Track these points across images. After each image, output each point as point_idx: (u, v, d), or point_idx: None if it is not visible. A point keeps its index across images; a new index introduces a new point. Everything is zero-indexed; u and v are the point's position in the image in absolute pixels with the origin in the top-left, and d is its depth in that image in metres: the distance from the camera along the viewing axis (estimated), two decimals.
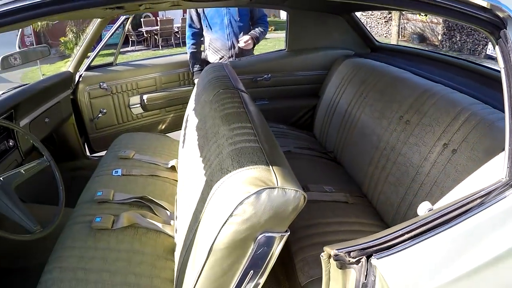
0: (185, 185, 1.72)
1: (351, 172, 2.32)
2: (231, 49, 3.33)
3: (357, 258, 0.89)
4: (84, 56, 3.14)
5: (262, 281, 1.20)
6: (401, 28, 12.63)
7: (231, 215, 1.03)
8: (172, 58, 3.71)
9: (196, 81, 3.43)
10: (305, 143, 2.70)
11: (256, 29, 3.39)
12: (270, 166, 1.11)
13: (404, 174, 1.81)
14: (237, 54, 3.37)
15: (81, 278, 1.56)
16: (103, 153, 2.68)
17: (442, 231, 0.92)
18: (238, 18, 3.30)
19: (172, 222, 1.86)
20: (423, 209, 1.03)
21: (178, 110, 3.56)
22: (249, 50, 3.41)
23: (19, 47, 2.54)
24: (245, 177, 1.08)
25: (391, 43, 11.90)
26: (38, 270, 1.65)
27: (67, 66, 3.17)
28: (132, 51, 14.92)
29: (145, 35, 15.53)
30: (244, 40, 3.27)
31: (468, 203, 0.95)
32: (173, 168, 2.35)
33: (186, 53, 3.54)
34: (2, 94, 2.51)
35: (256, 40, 3.38)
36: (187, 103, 2.58)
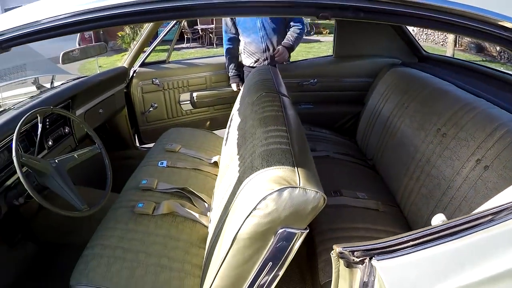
0: (222, 180, 1.83)
1: (387, 180, 2.33)
2: (265, 51, 3.33)
3: (360, 258, 0.95)
4: (139, 52, 3.32)
5: (280, 273, 1.28)
6: (458, 37, 12.23)
7: (254, 209, 1.13)
8: (223, 58, 3.79)
9: (233, 85, 3.56)
10: (345, 149, 2.73)
11: (289, 35, 3.32)
12: (296, 168, 1.19)
13: (436, 187, 1.81)
14: (272, 57, 3.35)
15: (119, 256, 1.70)
16: (151, 144, 2.83)
17: (447, 241, 0.93)
18: (270, 21, 3.29)
19: (208, 213, 1.97)
20: (437, 220, 1.03)
21: (226, 109, 3.65)
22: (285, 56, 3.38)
23: (79, 44, 2.74)
24: (271, 176, 1.18)
25: (447, 51, 11.56)
26: (83, 247, 1.81)
27: (122, 61, 3.36)
28: (187, 48, 15.09)
29: (200, 33, 15.66)
30: (276, 54, 3.27)
31: (478, 218, 0.95)
32: (215, 164, 2.47)
33: None
34: (61, 85, 2.72)
35: (290, 49, 3.34)
36: (234, 102, 2.70)
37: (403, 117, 2.28)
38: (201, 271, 1.67)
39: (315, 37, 16.51)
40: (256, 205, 1.13)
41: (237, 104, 2.37)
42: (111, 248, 1.74)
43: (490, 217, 0.95)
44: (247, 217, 1.15)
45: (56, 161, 1.92)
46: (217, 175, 2.34)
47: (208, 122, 3.80)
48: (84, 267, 1.68)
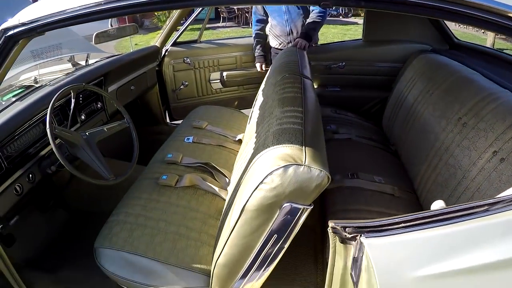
0: (240, 157, 1.92)
1: (407, 167, 2.34)
2: (289, 35, 3.35)
3: (352, 235, 1.01)
4: (171, 32, 3.41)
5: (285, 246, 1.36)
6: None
7: (261, 182, 1.21)
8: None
9: (257, 65, 3.61)
10: (368, 133, 2.75)
11: (308, 24, 3.31)
12: (304, 147, 1.26)
13: (452, 176, 1.81)
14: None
15: (141, 223, 1.82)
16: (181, 121, 2.93)
17: (439, 226, 0.96)
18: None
19: (228, 188, 2.06)
20: (436, 206, 1.05)
21: (255, 88, 3.68)
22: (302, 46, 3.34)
23: (111, 25, 2.84)
24: (279, 153, 1.25)
25: (488, 40, 11.16)
26: (109, 214, 1.94)
27: (155, 40, 3.46)
28: (223, 27, 15.09)
29: (236, 12, 15.60)
30: (296, 45, 3.27)
31: (474, 207, 0.97)
32: (239, 142, 2.55)
33: None
34: (95, 62, 2.85)
35: (308, 38, 3.32)
36: None
37: (427, 104, 2.28)
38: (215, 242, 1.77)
39: (352, 19, 16.22)
40: (263, 179, 1.20)
41: (262, 85, 2.44)
42: (134, 216, 1.86)
43: (486, 207, 0.96)
44: (254, 190, 1.23)
45: (87, 133, 2.06)
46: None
47: (237, 101, 3.88)
48: (108, 232, 1.81)
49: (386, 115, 2.91)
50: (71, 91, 2.09)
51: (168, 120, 3.83)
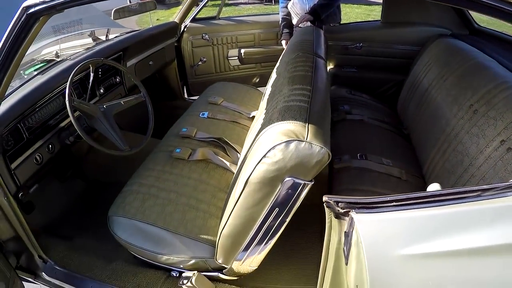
0: (250, 132, 1.97)
1: (418, 151, 2.35)
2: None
3: (345, 210, 1.05)
4: (190, 7, 3.45)
5: (287, 220, 1.42)
6: None
7: (264, 156, 1.26)
8: (273, 17, 3.88)
9: (282, 42, 3.61)
10: (381, 115, 2.75)
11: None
12: (307, 124, 1.30)
13: (459, 162, 1.81)
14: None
15: (153, 193, 1.90)
16: (198, 97, 2.98)
17: (427, 207, 0.98)
18: None
19: (239, 163, 2.12)
20: (431, 189, 1.08)
21: (272, 66, 3.64)
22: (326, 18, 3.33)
23: (130, 1, 2.89)
24: (282, 129, 1.29)
25: None
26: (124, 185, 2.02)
27: (174, 16, 3.50)
28: (245, 3, 14.81)
29: None
30: (299, 20, 3.27)
31: (467, 191, 0.97)
32: (253, 118, 2.59)
33: None
34: (115, 38, 2.92)
35: (316, 15, 3.27)
36: None
37: (440, 90, 2.27)
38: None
39: None
40: (266, 153, 1.26)
41: (278, 63, 2.46)
42: (147, 186, 1.94)
43: (478, 192, 0.97)
44: (258, 163, 1.28)
45: (104, 106, 2.14)
46: None
47: (254, 78, 3.91)
48: (121, 201, 1.90)
49: (401, 98, 2.90)
50: (90, 65, 2.16)
51: (185, 96, 3.89)
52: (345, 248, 1.10)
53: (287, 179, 1.28)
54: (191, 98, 3.86)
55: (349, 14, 11.19)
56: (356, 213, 1.02)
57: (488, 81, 1.88)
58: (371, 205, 1.01)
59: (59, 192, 2.59)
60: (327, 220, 1.17)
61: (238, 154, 2.20)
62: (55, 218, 2.46)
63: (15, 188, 1.89)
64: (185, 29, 3.54)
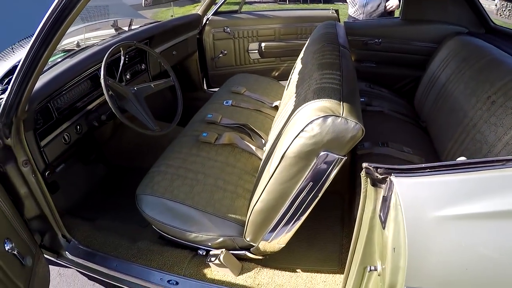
0: (279, 116, 2.02)
1: (436, 142, 2.41)
2: (364, 7, 3.43)
3: (383, 176, 1.12)
4: (213, 1, 3.52)
5: (319, 195, 1.48)
6: None
7: (302, 131, 1.33)
8: (293, 13, 3.95)
9: None
10: (400, 108, 2.81)
11: None
12: (341, 102, 1.37)
13: (478, 150, 1.87)
14: (370, 13, 3.45)
15: (181, 174, 1.96)
16: (217, 89, 3.05)
17: (458, 172, 1.05)
18: None
19: (264, 148, 2.18)
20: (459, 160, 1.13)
21: (291, 61, 3.80)
22: (384, 12, 3.42)
23: None
24: (319, 105, 1.36)
25: None
26: (146, 171, 2.08)
27: (196, 9, 3.58)
28: (259, 2, 14.78)
29: None
30: (390, 5, 3.35)
31: (493, 161, 1.05)
32: (275, 108, 2.66)
33: (307, 9, 3.74)
34: (139, 27, 2.99)
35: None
36: None
37: (458, 83, 2.33)
38: (251, 193, 1.89)
39: None
40: (304, 128, 1.32)
41: (301, 54, 2.52)
42: (174, 167, 2.00)
43: (503, 162, 1.05)
44: (295, 137, 1.35)
45: (135, 88, 2.22)
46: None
47: (273, 72, 3.97)
48: (149, 181, 1.95)
49: (418, 94, 2.96)
50: (121, 48, 2.23)
51: (205, 87, 3.96)
52: (381, 214, 1.16)
53: (322, 153, 1.34)
54: (210, 90, 3.92)
55: None
56: (396, 176, 1.08)
57: (505, 75, 1.95)
58: (408, 170, 1.08)
59: (82, 175, 2.66)
60: (362, 191, 1.23)
61: (263, 140, 2.26)
62: (77, 200, 2.53)
63: (43, 166, 1.94)
64: (207, 22, 3.61)
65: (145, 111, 2.16)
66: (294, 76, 2.21)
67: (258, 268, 1.86)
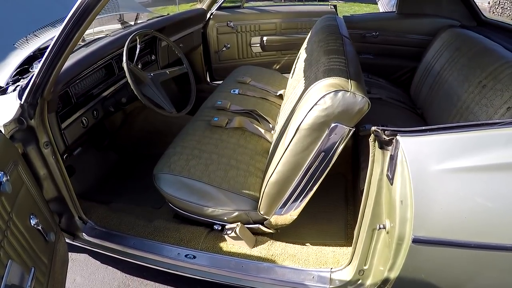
0: (289, 99, 2.15)
1: (432, 125, 2.54)
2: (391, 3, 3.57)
3: (389, 138, 1.28)
4: None
5: (329, 166, 1.62)
6: None
7: (315, 104, 1.48)
8: (294, 8, 4.10)
9: None
10: (397, 96, 2.96)
11: None
12: (349, 79, 1.53)
13: None
14: None
15: (196, 154, 2.08)
16: (221, 81, 3.16)
17: (456, 132, 1.22)
18: None
19: (272, 132, 2.32)
20: None
21: (293, 54, 3.93)
22: None
23: None
24: (329, 82, 1.52)
25: None
26: (158, 158, 2.17)
27: (202, 3, 3.72)
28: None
29: None
30: None
31: (486, 123, 1.22)
32: (280, 96, 2.81)
33: (307, 5, 3.88)
34: (147, 20, 3.13)
35: None
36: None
37: (452, 71, 2.48)
38: (263, 173, 2.02)
39: None
40: (317, 101, 1.47)
41: (304, 45, 2.68)
42: (189, 148, 2.13)
43: (495, 124, 1.22)
44: (310, 110, 1.50)
45: (151, 74, 2.35)
46: (280, 105, 2.68)
47: (274, 65, 4.11)
48: (166, 160, 2.07)
49: (414, 83, 3.11)
50: (137, 37, 2.36)
51: (208, 80, 4.09)
52: (388, 173, 1.32)
53: (333, 124, 1.49)
54: (214, 82, 4.05)
55: (359, 12, 11.42)
56: (401, 136, 1.25)
57: (494, 61, 2.11)
58: (412, 131, 1.26)
59: (95, 160, 2.77)
60: (370, 155, 1.39)
61: (270, 125, 2.40)
62: (92, 184, 2.63)
63: (63, 148, 2.03)
64: (211, 16, 3.75)
65: (162, 95, 2.29)
66: (300, 64, 2.36)
67: (271, 241, 1.99)
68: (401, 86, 3.34)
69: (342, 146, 1.56)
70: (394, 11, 3.49)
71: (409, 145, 1.24)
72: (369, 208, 1.49)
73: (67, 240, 2.08)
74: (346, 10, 11.03)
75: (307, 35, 3.67)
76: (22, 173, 1.58)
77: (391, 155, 1.30)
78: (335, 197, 2.37)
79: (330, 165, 1.62)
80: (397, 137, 1.26)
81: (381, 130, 1.28)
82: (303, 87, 1.78)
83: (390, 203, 1.35)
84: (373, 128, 1.31)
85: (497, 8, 13.59)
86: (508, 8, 13.49)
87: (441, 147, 1.24)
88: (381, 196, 1.43)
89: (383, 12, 3.84)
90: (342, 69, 1.64)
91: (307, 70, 2.02)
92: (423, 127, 1.26)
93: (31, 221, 1.53)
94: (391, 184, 1.30)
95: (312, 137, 1.54)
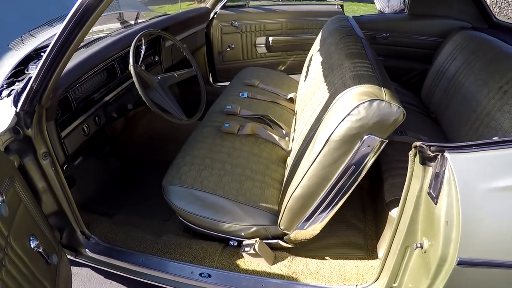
0: (306, 105, 2.04)
1: (447, 131, 2.47)
2: (389, 1, 3.52)
3: (435, 153, 1.18)
4: None
5: (358, 179, 1.52)
6: None
7: (348, 114, 1.37)
8: (300, 7, 3.98)
9: None
10: (409, 99, 2.88)
11: None
12: (381, 87, 1.42)
13: (493, 137, 1.84)
14: (394, 8, 3.56)
15: (208, 164, 1.96)
16: (224, 83, 3.05)
17: (506, 148, 1.13)
18: None
19: (286, 138, 2.21)
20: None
21: (299, 55, 3.84)
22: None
23: None
24: (362, 91, 1.41)
25: None
26: (162, 165, 2.09)
27: (206, 2, 3.59)
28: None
29: None
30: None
31: None
32: (291, 100, 2.70)
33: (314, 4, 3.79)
34: (149, 19, 3.00)
35: None
36: (308, 50, 2.89)
37: (468, 75, 2.40)
38: (281, 184, 1.92)
39: None
40: (350, 112, 1.36)
41: (316, 46, 2.57)
42: (200, 158, 2.01)
43: None
44: (342, 121, 1.39)
45: (159, 77, 2.20)
46: (292, 110, 2.58)
47: (280, 66, 3.99)
48: (176, 171, 1.95)
49: (425, 86, 3.02)
50: (142, 37, 2.21)
51: (211, 81, 3.95)
52: (431, 190, 1.22)
53: (365, 136, 1.39)
54: (217, 84, 3.93)
55: (357, 11, 11.38)
56: (449, 153, 1.14)
57: None
58: (460, 147, 1.14)
59: (96, 169, 2.63)
60: (408, 171, 1.29)
61: (284, 131, 2.29)
62: (93, 195, 2.49)
63: (63, 158, 1.89)
64: (215, 16, 3.62)
65: (171, 100, 2.15)
66: (315, 67, 2.25)
67: (291, 257, 1.88)
68: (411, 88, 3.25)
69: (373, 160, 1.46)
70: (405, 12, 3.41)
71: (458, 163, 1.14)
72: (403, 225, 1.39)
73: (69, 257, 1.97)
74: (344, 9, 10.96)
75: (314, 35, 3.61)
76: (19, 189, 1.45)
77: (436, 172, 1.20)
78: (351, 206, 2.25)
79: (359, 179, 1.52)
80: (445, 153, 1.15)
81: (427, 145, 1.18)
82: (327, 94, 1.68)
83: (430, 222, 1.25)
84: (418, 143, 1.20)
85: (494, 7, 13.58)
86: (505, 8, 13.54)
87: (491, 164, 1.14)
88: (418, 213, 1.33)
89: (393, 13, 3.75)
90: (371, 75, 1.54)
91: (328, 74, 1.91)
92: (473, 142, 1.15)
93: (31, 243, 1.41)
94: (435, 203, 1.20)
95: (343, 150, 1.44)
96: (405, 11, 3.42)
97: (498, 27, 3.02)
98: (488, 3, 3.11)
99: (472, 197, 1.12)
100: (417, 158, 1.26)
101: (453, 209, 1.14)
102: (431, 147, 1.17)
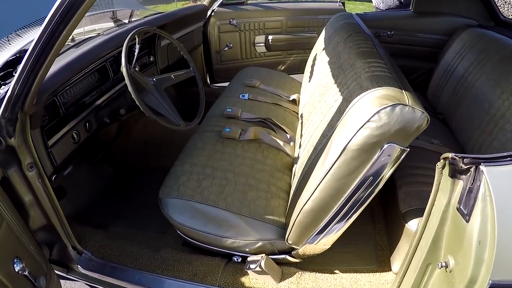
0: (315, 108, 1.91)
1: (458, 133, 2.37)
2: None
3: (467, 166, 1.05)
4: None
5: (376, 191, 1.39)
6: None
7: (368, 121, 1.23)
8: (300, 5, 3.87)
9: None
10: None
11: None
12: (402, 90, 1.30)
13: (509, 140, 1.84)
14: (389, 4, 3.54)
15: (208, 173, 1.82)
16: (222, 84, 2.92)
17: None
18: None
19: (291, 143, 2.09)
20: None
21: (299, 54, 3.72)
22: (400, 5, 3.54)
23: None
24: (381, 94, 1.28)
25: None
26: (158, 171, 1.99)
27: (202, 1, 3.46)
28: None
29: None
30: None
31: None
32: (293, 102, 2.58)
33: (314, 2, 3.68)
34: (144, 18, 2.86)
35: None
36: (310, 49, 2.77)
37: (479, 74, 2.30)
38: (287, 194, 1.79)
39: None
40: (370, 118, 1.23)
41: (321, 45, 2.44)
42: (200, 166, 1.87)
43: None
44: (360, 128, 1.25)
45: (154, 79, 2.05)
46: (296, 112, 2.46)
47: (281, 66, 3.87)
48: (174, 182, 1.81)
49: (432, 86, 2.92)
50: (136, 36, 2.06)
51: (209, 82, 3.82)
52: (461, 207, 1.09)
53: (386, 145, 1.26)
54: (215, 85, 3.79)
55: (354, 10, 11.27)
56: (485, 166, 1.01)
57: None
58: (498, 159, 1.02)
59: (88, 177, 2.48)
60: (435, 183, 1.17)
61: (288, 136, 2.17)
62: (85, 206, 2.35)
63: (51, 169, 1.75)
64: (213, 14, 3.49)
65: (168, 104, 2.00)
66: (321, 67, 2.13)
67: (299, 273, 1.75)
68: (417, 88, 3.14)
69: (393, 170, 1.34)
70: (410, 9, 3.31)
71: (496, 177, 1.00)
72: (425, 241, 1.26)
73: (60, 273, 1.85)
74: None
75: (315, 33, 3.49)
76: (2, 207, 1.32)
77: (469, 187, 1.07)
78: (361, 218, 2.16)
79: (377, 190, 1.39)
80: (480, 166, 1.02)
81: (460, 157, 1.05)
82: (340, 97, 1.55)
83: (458, 240, 1.13)
84: (450, 155, 1.08)
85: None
86: (501, 5, 13.50)
87: None
88: (443, 229, 1.20)
89: (398, 10, 3.63)
90: (389, 76, 1.41)
91: (338, 75, 1.77)
92: (505, 153, 1.01)
93: (15, 266, 1.29)
94: (467, 221, 1.07)
95: (360, 160, 1.31)
96: (400, 7, 3.35)
97: (506, 25, 2.94)
98: (495, 0, 3.04)
99: (509, 215, 1.00)
100: (446, 170, 1.13)
101: (487, 228, 1.02)
102: (465, 159, 1.04)
